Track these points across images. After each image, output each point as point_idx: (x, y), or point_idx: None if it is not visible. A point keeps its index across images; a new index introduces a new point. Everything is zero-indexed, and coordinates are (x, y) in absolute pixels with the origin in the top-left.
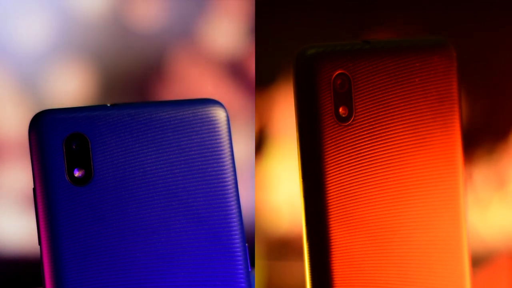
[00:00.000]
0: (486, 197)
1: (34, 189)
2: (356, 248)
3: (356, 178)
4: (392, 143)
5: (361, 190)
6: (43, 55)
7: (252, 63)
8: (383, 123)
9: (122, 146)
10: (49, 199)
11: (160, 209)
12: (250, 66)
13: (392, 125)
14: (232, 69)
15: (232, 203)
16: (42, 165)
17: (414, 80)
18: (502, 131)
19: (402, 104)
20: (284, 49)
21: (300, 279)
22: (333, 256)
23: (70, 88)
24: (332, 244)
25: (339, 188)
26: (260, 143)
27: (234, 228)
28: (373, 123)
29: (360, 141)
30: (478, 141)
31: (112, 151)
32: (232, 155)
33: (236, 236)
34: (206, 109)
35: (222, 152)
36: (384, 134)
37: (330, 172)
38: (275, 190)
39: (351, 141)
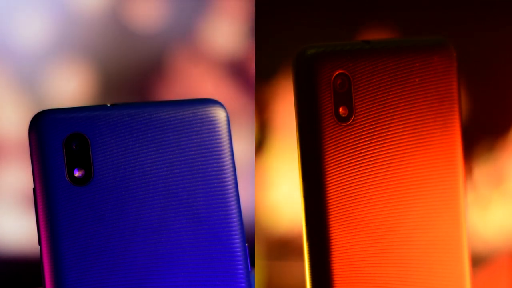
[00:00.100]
0: (487, 195)
1: (34, 189)
2: (356, 248)
3: (356, 178)
4: (392, 143)
5: (361, 190)
6: (43, 55)
7: (252, 63)
8: (383, 123)
9: (122, 146)
10: (49, 199)
11: (160, 209)
12: (250, 66)
13: (392, 125)
14: (232, 69)
15: (232, 203)
16: (42, 165)
17: (414, 80)
18: (502, 131)
19: (402, 104)
20: (284, 49)
21: (300, 279)
22: (333, 256)
23: (70, 88)
24: (332, 244)
25: (339, 188)
26: (260, 143)
27: (234, 228)
28: (373, 123)
29: (360, 141)
30: (478, 140)
31: (112, 151)
32: (232, 155)
33: (236, 236)
34: (206, 109)
35: (222, 152)
36: (384, 134)
37: (330, 172)
38: (275, 190)
39: (351, 141)
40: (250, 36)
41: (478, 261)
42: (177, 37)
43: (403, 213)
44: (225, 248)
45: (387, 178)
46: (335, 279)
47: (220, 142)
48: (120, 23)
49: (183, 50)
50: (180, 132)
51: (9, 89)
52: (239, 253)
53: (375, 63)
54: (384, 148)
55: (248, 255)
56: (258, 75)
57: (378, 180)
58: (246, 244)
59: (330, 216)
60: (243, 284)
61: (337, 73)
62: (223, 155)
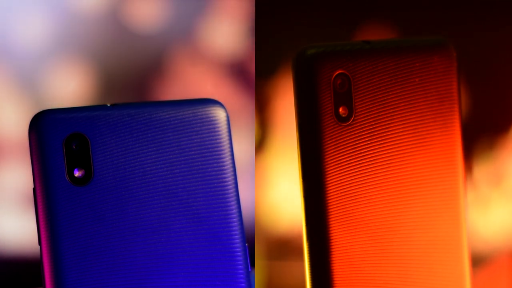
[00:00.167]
0: (487, 195)
1: (34, 189)
2: (356, 248)
3: (356, 178)
4: (392, 143)
5: (361, 190)
6: (43, 55)
7: (252, 63)
8: (383, 123)
9: (122, 146)
10: (49, 199)
11: (160, 209)
12: (250, 66)
13: (392, 125)
14: (232, 69)
15: (232, 203)
16: (42, 165)
17: (414, 80)
18: (502, 130)
19: (402, 104)
20: (284, 49)
21: (300, 279)
22: (333, 256)
23: (70, 88)
24: (332, 244)
25: (339, 188)
26: (260, 143)
27: (234, 228)
28: (373, 123)
29: (360, 141)
30: (478, 139)
31: (112, 151)
32: (232, 155)
33: (236, 236)
34: (206, 109)
35: (222, 152)
36: (384, 134)
37: (330, 172)
38: (275, 190)
39: (351, 141)
40: (250, 36)
41: (478, 261)
42: (177, 37)
43: (403, 213)
44: (225, 248)
45: (387, 178)
46: (335, 279)
47: (220, 142)
48: (120, 23)
49: (183, 50)
50: (180, 132)
51: (9, 89)
52: (239, 253)
53: (375, 63)
54: (384, 148)
55: (248, 255)
56: (258, 75)
57: (378, 180)
58: (246, 244)
59: (330, 216)
60: (243, 284)
61: (337, 73)
62: (223, 155)
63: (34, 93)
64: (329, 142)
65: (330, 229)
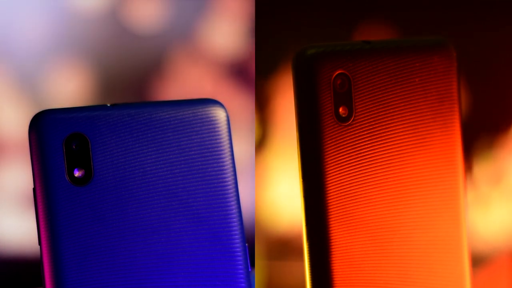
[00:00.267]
0: (487, 194)
1: (34, 189)
2: (356, 248)
3: (356, 178)
4: (392, 143)
5: (361, 190)
6: (43, 55)
7: (252, 63)
8: (383, 123)
9: (122, 146)
10: (49, 199)
11: (160, 209)
12: (250, 66)
13: (392, 125)
14: (232, 69)
15: (232, 203)
16: (42, 165)
17: (414, 80)
18: (502, 130)
19: (402, 104)
20: (284, 49)
21: (300, 279)
22: (333, 256)
23: (70, 88)
24: (332, 244)
25: (339, 188)
26: (260, 143)
27: (234, 228)
28: (373, 123)
29: (360, 141)
30: (478, 139)
31: (112, 151)
32: (232, 155)
33: (236, 236)
34: (206, 109)
35: (222, 152)
36: (384, 134)
37: (330, 172)
38: (275, 190)
39: (351, 141)
40: (250, 36)
41: (478, 261)
42: (177, 37)
43: (403, 213)
44: (225, 248)
45: (387, 178)
46: (335, 279)
47: (220, 142)
48: (120, 23)
49: (183, 50)
50: (180, 132)
51: (9, 89)
52: (239, 253)
53: (375, 63)
54: (384, 148)
55: (248, 255)
56: (258, 75)
57: (378, 180)
58: (246, 244)
59: (330, 216)
60: (243, 284)
61: (337, 73)
62: (223, 155)
63: (34, 93)
64: (329, 142)
65: (330, 229)
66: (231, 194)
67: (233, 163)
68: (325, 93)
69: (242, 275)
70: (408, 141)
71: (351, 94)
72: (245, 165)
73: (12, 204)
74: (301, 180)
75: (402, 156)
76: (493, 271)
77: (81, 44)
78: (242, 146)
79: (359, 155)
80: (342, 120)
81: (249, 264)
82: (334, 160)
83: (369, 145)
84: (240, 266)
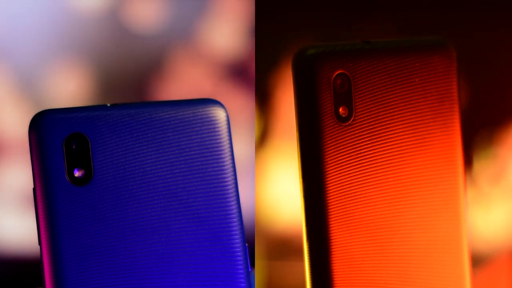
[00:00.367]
0: (487, 193)
1: (34, 189)
2: (356, 248)
3: (356, 178)
4: (392, 143)
5: (361, 190)
6: (43, 55)
7: (252, 63)
8: (383, 123)
9: (122, 146)
10: (49, 199)
11: (160, 209)
12: (250, 66)
13: (392, 125)
14: (232, 69)
15: (232, 203)
16: (42, 165)
17: (414, 80)
18: (502, 130)
19: (402, 104)
20: (284, 49)
21: (300, 279)
22: (333, 256)
23: (70, 88)
24: (332, 244)
25: (339, 188)
26: (260, 143)
27: (234, 228)
28: (373, 123)
29: (360, 141)
30: (478, 139)
31: (112, 151)
32: (232, 155)
33: (236, 236)
34: (206, 109)
35: (222, 152)
36: (384, 134)
37: (330, 172)
38: (275, 190)
39: (351, 141)
40: (250, 36)
41: (478, 261)
42: (177, 38)
43: (403, 213)
44: (225, 248)
45: (387, 178)
46: (335, 279)
47: (220, 142)
48: (120, 23)
49: (183, 50)
50: (180, 132)
51: (9, 89)
52: (239, 253)
53: (375, 63)
54: (384, 148)
55: (248, 255)
56: (258, 75)
57: (378, 180)
58: (246, 244)
59: (330, 216)
60: (243, 284)
61: (337, 73)
62: (223, 155)
63: (34, 93)
64: (329, 142)
65: (330, 229)
66: (231, 194)
67: (233, 163)
68: (325, 93)
69: (242, 275)
70: (408, 141)
71: (351, 94)
72: (245, 165)
73: (12, 204)
74: (301, 180)
75: (402, 156)
76: (493, 271)
77: (81, 44)
78: (242, 146)
79: (359, 155)
80: (342, 120)
81: (249, 264)
82: (334, 160)
83: (369, 145)
84: (240, 266)
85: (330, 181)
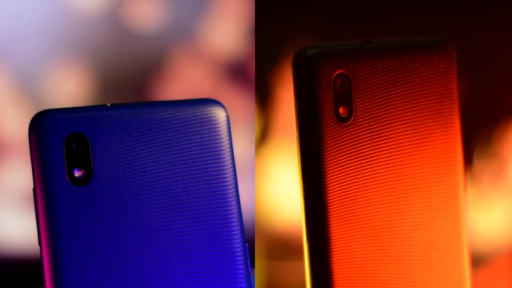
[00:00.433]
0: (487, 192)
1: (34, 189)
2: (356, 248)
3: (356, 178)
4: (392, 143)
5: (361, 190)
6: (43, 55)
7: (252, 63)
8: (383, 123)
9: (122, 146)
10: (49, 199)
11: (160, 209)
12: (250, 66)
13: (392, 125)
14: (232, 69)
15: (232, 203)
16: (42, 165)
17: (414, 80)
18: (502, 130)
19: (402, 104)
20: (284, 49)
21: (300, 279)
22: (333, 256)
23: (70, 88)
24: (332, 244)
25: (339, 188)
26: (260, 142)
27: (234, 228)
28: (373, 123)
29: (360, 141)
30: (477, 139)
31: (112, 151)
32: (232, 155)
33: (236, 236)
34: (206, 109)
35: (222, 152)
36: (384, 134)
37: (330, 172)
38: (275, 190)
39: (351, 141)
40: (250, 36)
41: (478, 261)
42: (177, 38)
43: (403, 213)
44: (225, 248)
45: (387, 178)
46: (335, 279)
47: (220, 142)
48: (120, 23)
49: (183, 51)
50: (180, 132)
51: (9, 89)
52: (239, 253)
53: (375, 63)
54: (384, 148)
55: (248, 255)
56: (258, 75)
57: (378, 180)
58: (246, 244)
59: (330, 216)
60: (243, 284)
61: (337, 73)
62: (223, 155)
63: (34, 93)
64: (329, 142)
65: (330, 229)
66: (231, 194)
67: (233, 163)
68: (325, 93)
69: (242, 275)
70: (408, 141)
71: (351, 94)
72: (245, 164)
73: (12, 204)
74: (301, 180)
75: (402, 156)
76: (493, 271)
77: (81, 44)
78: (242, 146)
79: (359, 155)
80: (342, 120)
81: (249, 264)
82: (334, 160)
83: (369, 145)
84: (240, 266)
85: (330, 181)
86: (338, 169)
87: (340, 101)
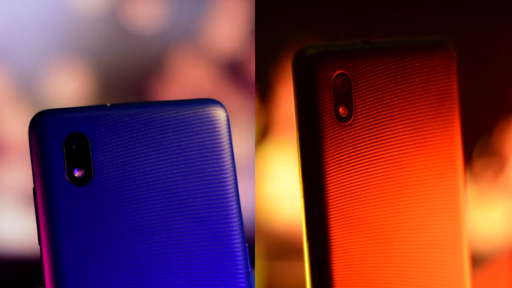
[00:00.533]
0: (487, 192)
1: (34, 189)
2: (356, 248)
3: (356, 178)
4: (392, 143)
5: (361, 190)
6: (43, 55)
7: (252, 63)
8: (383, 123)
9: (122, 146)
10: (49, 199)
11: (160, 209)
12: (250, 66)
13: (392, 125)
14: (232, 69)
15: (232, 203)
16: (42, 165)
17: (414, 80)
18: (502, 130)
19: (402, 104)
20: (284, 49)
21: (300, 279)
22: (333, 256)
23: (70, 88)
24: (332, 244)
25: (339, 188)
26: (260, 142)
27: (234, 228)
28: (373, 123)
29: (360, 141)
30: (477, 139)
31: (112, 151)
32: (232, 155)
33: (236, 236)
34: (206, 109)
35: (222, 152)
36: (384, 134)
37: (330, 172)
38: (275, 190)
39: (351, 141)
40: (250, 36)
41: (478, 261)
42: (177, 38)
43: (403, 213)
44: (225, 248)
45: (387, 178)
46: (335, 279)
47: (220, 142)
48: (120, 24)
49: (183, 50)
50: (180, 132)
51: (9, 89)
52: (239, 253)
53: (375, 63)
54: (384, 148)
55: (248, 255)
56: (258, 75)
57: (378, 180)
58: (246, 244)
59: (330, 216)
60: (243, 284)
61: (337, 73)
62: (223, 155)
63: (34, 93)
64: (329, 142)
65: (330, 229)
66: (231, 194)
67: (233, 163)
68: (325, 93)
69: (242, 275)
70: (408, 141)
71: (351, 94)
72: (245, 164)
73: (13, 204)
74: (301, 180)
75: (402, 156)
76: (493, 271)
77: (81, 44)
78: (242, 146)
79: (359, 155)
80: (342, 120)
81: (249, 264)
82: (334, 160)
83: (369, 145)
84: (240, 266)
85: (330, 181)
86: (338, 169)
87: (340, 101)
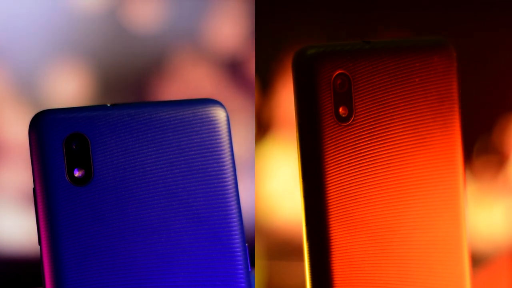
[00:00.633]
0: (487, 192)
1: (34, 189)
2: (356, 248)
3: (356, 178)
4: (392, 143)
5: (361, 190)
6: (43, 56)
7: (252, 63)
8: (383, 123)
9: (122, 146)
10: (49, 199)
11: (160, 209)
12: (250, 66)
13: (392, 125)
14: (232, 69)
15: (232, 203)
16: (42, 165)
17: (414, 80)
18: (502, 129)
19: (402, 104)
20: (284, 49)
21: (300, 279)
22: (333, 256)
23: (70, 88)
24: (332, 244)
25: (339, 188)
26: (260, 142)
27: (234, 228)
28: (373, 123)
29: (360, 141)
30: (477, 139)
31: (112, 151)
32: (232, 155)
33: (236, 236)
34: (206, 109)
35: (222, 152)
36: (384, 134)
37: (330, 172)
38: (275, 190)
39: (351, 141)
40: (250, 36)
41: (478, 261)
42: (177, 38)
43: (403, 213)
44: (225, 248)
45: (387, 178)
46: (335, 279)
47: (220, 142)
48: (120, 24)
49: (183, 50)
50: (180, 132)
51: (9, 89)
52: (239, 253)
53: (375, 63)
54: (384, 148)
55: (248, 255)
56: (258, 75)
57: (378, 180)
58: (246, 244)
59: (330, 216)
60: (243, 284)
61: (337, 73)
62: (223, 155)
63: (34, 93)
64: (329, 142)
65: (330, 229)
66: (231, 194)
67: (233, 163)
68: (325, 93)
69: (242, 275)
70: (408, 141)
71: (351, 94)
72: (245, 164)
73: (13, 204)
74: (301, 180)
75: (402, 156)
76: (493, 271)
77: (81, 44)
78: (242, 146)
79: (359, 155)
80: (342, 120)
81: (249, 264)
82: (334, 160)
83: (369, 145)
84: (240, 266)
85: (330, 181)
86: (338, 169)
87: (340, 101)
